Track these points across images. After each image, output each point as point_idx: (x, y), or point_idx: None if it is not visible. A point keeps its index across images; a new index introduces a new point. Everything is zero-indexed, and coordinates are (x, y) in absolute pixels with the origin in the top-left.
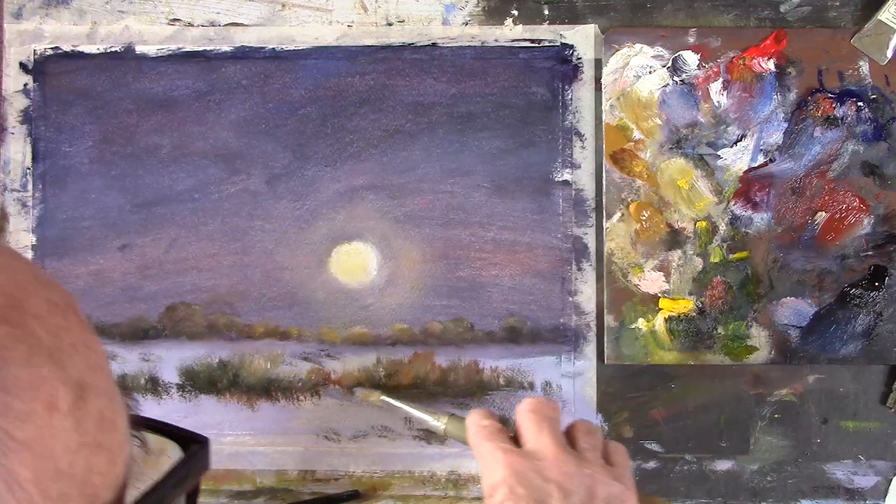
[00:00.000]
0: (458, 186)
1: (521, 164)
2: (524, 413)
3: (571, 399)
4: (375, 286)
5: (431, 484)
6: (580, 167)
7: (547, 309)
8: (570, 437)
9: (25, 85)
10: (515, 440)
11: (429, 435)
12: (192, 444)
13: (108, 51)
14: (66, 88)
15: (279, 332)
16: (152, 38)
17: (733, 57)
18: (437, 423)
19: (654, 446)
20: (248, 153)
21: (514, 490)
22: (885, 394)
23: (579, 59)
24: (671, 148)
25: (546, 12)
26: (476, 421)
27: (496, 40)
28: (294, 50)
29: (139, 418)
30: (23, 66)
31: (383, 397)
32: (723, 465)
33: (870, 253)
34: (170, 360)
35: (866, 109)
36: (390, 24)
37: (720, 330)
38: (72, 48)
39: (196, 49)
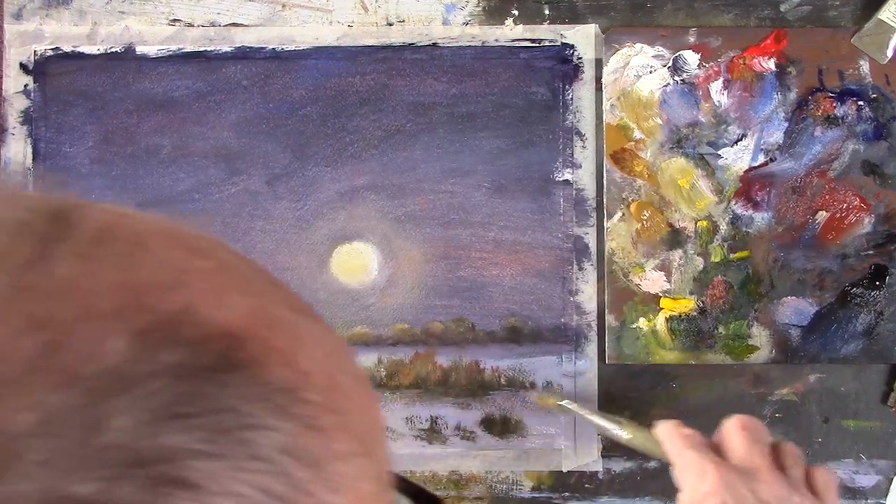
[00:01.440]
0: (459, 186)
1: (522, 163)
2: (734, 428)
3: (572, 398)
4: (376, 286)
5: (433, 484)
6: (581, 167)
7: (548, 309)
8: (775, 459)
9: (26, 86)
10: (718, 453)
11: (430, 435)
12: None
13: (109, 51)
14: (67, 89)
15: None
16: (153, 39)
17: (734, 56)
18: (621, 431)
19: None
20: (248, 153)
21: (727, 503)
22: (886, 393)
23: (580, 58)
24: (672, 147)
25: (546, 12)
26: (675, 431)
27: (496, 40)
28: (294, 50)
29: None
30: (23, 66)
31: (561, 402)
32: None
33: (870, 252)
34: None
35: (867, 109)
36: (390, 24)
37: (721, 329)
38: (72, 49)
39: (196, 49)
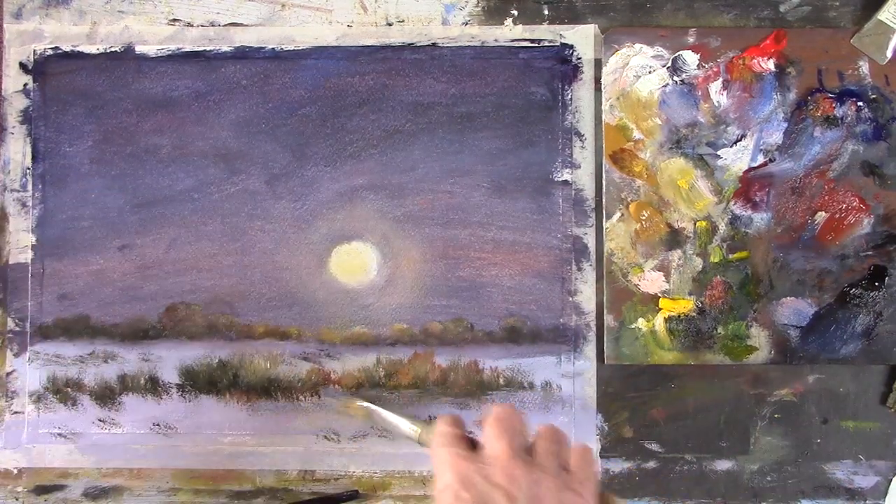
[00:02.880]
0: (458, 186)
1: (521, 164)
2: (486, 420)
3: (571, 399)
4: (375, 286)
5: (431, 484)
6: (580, 167)
7: (547, 309)
8: (533, 444)
9: (25, 85)
10: (476, 446)
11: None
12: None
13: (108, 51)
14: (66, 88)
15: (279, 332)
16: (152, 39)
17: (733, 57)
18: (412, 429)
19: (654, 446)
20: (247, 153)
21: (459, 495)
22: (885, 394)
23: (579, 59)
24: (671, 148)
25: (546, 12)
26: (438, 428)
27: (496, 40)
28: (294, 50)
29: None
30: (23, 66)
31: (362, 403)
32: (723, 465)
33: (869, 253)
34: (170, 360)
35: (866, 109)
36: (390, 24)
37: (720, 330)
38: (71, 48)
39: (196, 49)
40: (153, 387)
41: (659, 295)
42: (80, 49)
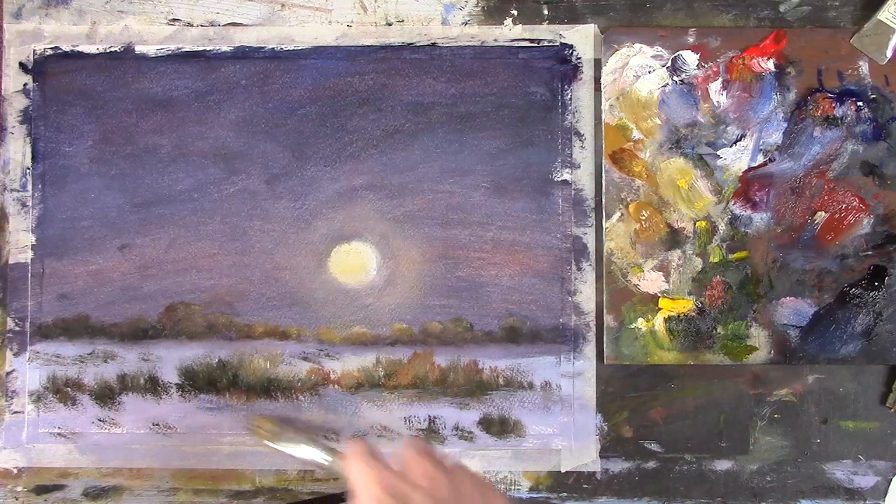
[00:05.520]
0: (458, 186)
1: (521, 163)
2: (362, 452)
3: (571, 399)
4: (375, 286)
5: None
6: (580, 167)
7: (546, 309)
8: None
9: (25, 85)
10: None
11: (428, 434)
12: None
13: (108, 51)
14: (66, 88)
15: (278, 332)
16: (152, 38)
17: (733, 57)
18: (324, 459)
19: (654, 446)
20: (247, 153)
21: (384, 501)
22: (885, 394)
23: (579, 58)
24: (671, 148)
25: (545, 12)
26: (351, 448)
27: (496, 40)
28: (293, 50)
29: None
30: (22, 66)
31: (274, 426)
32: (722, 465)
33: (869, 253)
34: (169, 359)
35: (866, 109)
36: (390, 24)
37: (720, 330)
38: (71, 48)
39: (195, 49)
40: (153, 386)
41: (658, 295)
42: (79, 49)
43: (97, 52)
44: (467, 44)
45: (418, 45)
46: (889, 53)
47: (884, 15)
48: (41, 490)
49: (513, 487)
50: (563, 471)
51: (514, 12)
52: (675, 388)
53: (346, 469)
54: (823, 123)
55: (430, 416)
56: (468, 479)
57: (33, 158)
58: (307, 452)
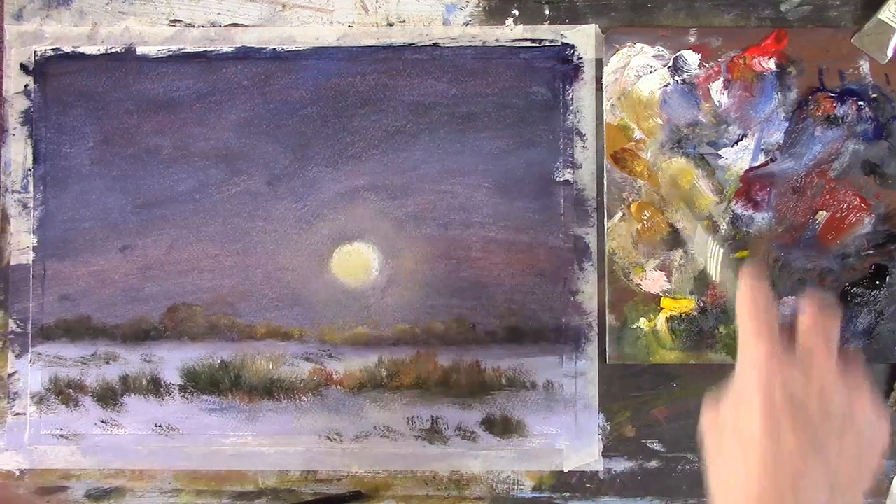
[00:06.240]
0: (460, 186)
1: (523, 164)
2: (809, 313)
3: (573, 399)
4: (377, 286)
5: (434, 484)
6: (581, 167)
7: (548, 309)
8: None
9: (26, 86)
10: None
11: (431, 435)
12: None
13: (109, 52)
14: (67, 90)
15: (281, 333)
16: (153, 39)
17: (734, 56)
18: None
19: (656, 445)
20: (249, 154)
21: (773, 397)
22: (887, 392)
23: (580, 58)
24: (672, 147)
25: (547, 12)
26: (749, 288)
27: (497, 40)
28: (295, 50)
29: None
30: (23, 67)
31: None
32: None
33: (871, 252)
34: (171, 361)
35: (867, 108)
36: (391, 25)
37: (722, 329)
38: (72, 49)
39: (197, 50)
40: (155, 388)
41: (660, 294)
42: (80, 50)
43: (98, 53)
44: (468, 44)
45: (419, 45)
46: (890, 53)
47: (884, 14)
48: (43, 492)
49: (515, 488)
50: (565, 470)
51: (516, 12)
52: (677, 388)
53: (738, 315)
54: (824, 123)
55: (432, 417)
56: (868, 407)
57: (34, 160)
58: None
